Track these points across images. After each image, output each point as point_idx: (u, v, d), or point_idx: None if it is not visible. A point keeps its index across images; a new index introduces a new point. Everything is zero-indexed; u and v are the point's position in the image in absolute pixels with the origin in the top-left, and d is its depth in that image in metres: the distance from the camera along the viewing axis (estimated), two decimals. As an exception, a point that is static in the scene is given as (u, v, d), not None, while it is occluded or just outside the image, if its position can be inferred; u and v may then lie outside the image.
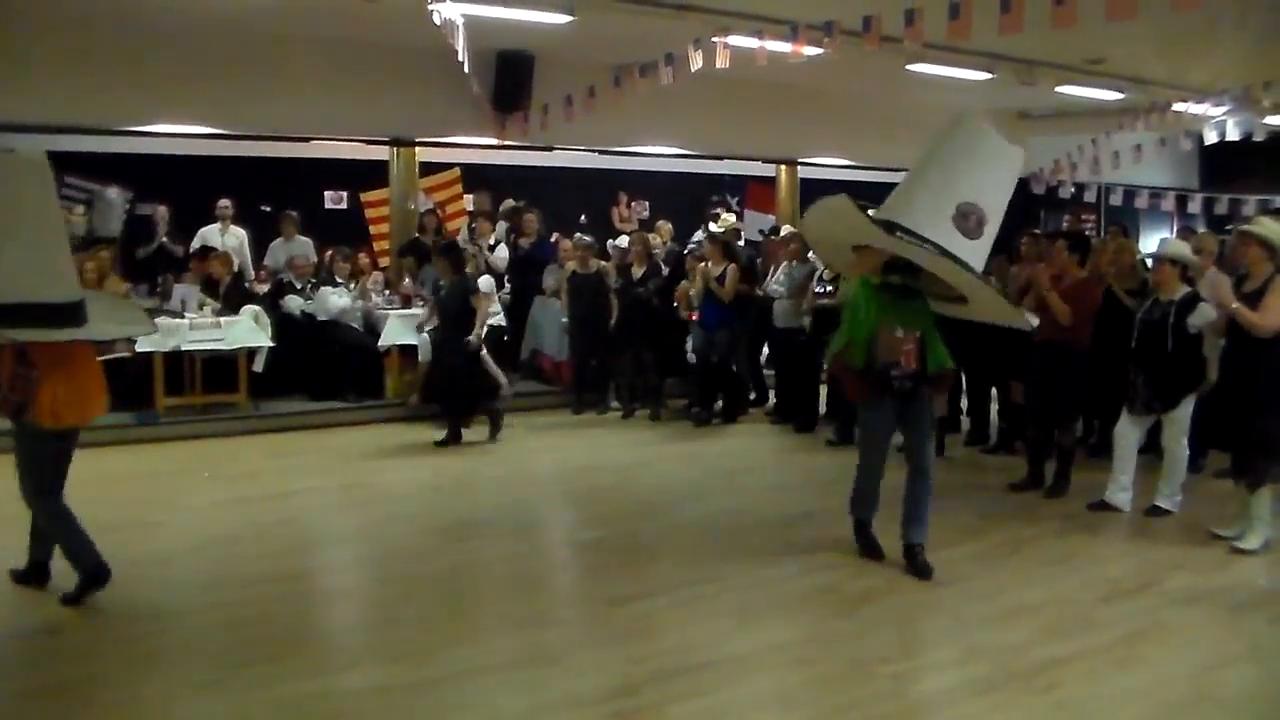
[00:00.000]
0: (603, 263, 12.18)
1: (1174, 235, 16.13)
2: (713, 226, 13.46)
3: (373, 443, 10.62)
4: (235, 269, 12.21)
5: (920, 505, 6.51)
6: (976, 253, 5.80)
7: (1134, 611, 5.91)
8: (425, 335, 11.39)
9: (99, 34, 11.02)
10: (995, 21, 8.50)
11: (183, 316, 11.08)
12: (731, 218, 13.48)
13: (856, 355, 6.30)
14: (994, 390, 10.14)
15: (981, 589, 6.21)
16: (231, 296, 11.56)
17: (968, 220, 5.73)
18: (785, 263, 11.26)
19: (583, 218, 16.63)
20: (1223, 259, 9.31)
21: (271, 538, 7.46)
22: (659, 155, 15.93)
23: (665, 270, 12.39)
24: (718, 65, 10.57)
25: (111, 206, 14.11)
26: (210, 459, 9.58)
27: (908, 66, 12.43)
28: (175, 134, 12.71)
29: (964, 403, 10.53)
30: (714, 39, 10.51)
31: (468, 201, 15.87)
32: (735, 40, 10.54)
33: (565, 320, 12.45)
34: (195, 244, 13.05)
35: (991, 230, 5.81)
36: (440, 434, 10.48)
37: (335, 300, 12.09)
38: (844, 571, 6.57)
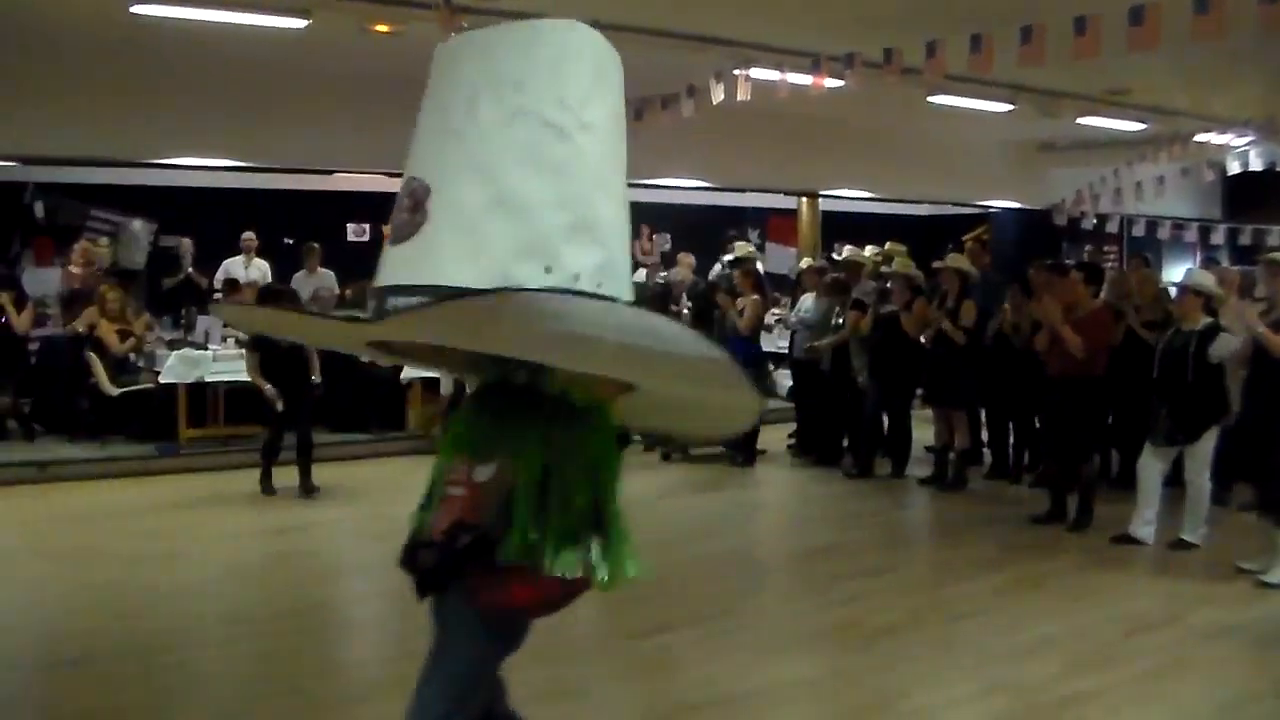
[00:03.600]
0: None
1: (1198, 266, 16.11)
2: (730, 255, 13.25)
3: (394, 474, 10.62)
4: (260, 301, 12.31)
5: None
6: (429, 254, 2.85)
7: (1158, 646, 5.86)
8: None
9: (124, 67, 11.11)
10: (1017, 53, 8.51)
11: (206, 348, 11.14)
12: (749, 246, 13.29)
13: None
14: (1011, 424, 10.13)
15: (1003, 622, 6.17)
16: (258, 328, 11.63)
17: (401, 210, 2.93)
18: (813, 293, 11.27)
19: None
20: (1245, 290, 9.29)
21: (293, 569, 7.48)
22: (680, 188, 15.96)
23: (687, 304, 12.40)
24: (739, 97, 10.59)
25: (136, 239, 14.25)
26: (233, 490, 9.60)
27: (929, 98, 12.45)
28: (199, 167, 12.84)
29: (984, 435, 10.52)
30: (735, 71, 10.55)
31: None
32: (757, 72, 10.56)
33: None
34: (219, 276, 13.15)
35: (468, 194, 2.78)
36: None
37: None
38: (865, 605, 6.54)
